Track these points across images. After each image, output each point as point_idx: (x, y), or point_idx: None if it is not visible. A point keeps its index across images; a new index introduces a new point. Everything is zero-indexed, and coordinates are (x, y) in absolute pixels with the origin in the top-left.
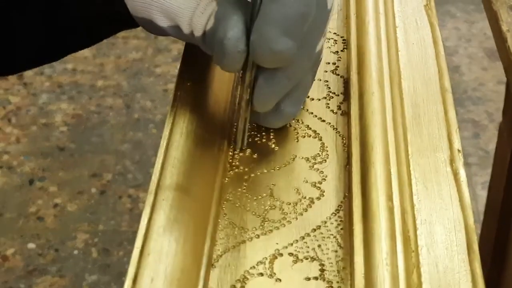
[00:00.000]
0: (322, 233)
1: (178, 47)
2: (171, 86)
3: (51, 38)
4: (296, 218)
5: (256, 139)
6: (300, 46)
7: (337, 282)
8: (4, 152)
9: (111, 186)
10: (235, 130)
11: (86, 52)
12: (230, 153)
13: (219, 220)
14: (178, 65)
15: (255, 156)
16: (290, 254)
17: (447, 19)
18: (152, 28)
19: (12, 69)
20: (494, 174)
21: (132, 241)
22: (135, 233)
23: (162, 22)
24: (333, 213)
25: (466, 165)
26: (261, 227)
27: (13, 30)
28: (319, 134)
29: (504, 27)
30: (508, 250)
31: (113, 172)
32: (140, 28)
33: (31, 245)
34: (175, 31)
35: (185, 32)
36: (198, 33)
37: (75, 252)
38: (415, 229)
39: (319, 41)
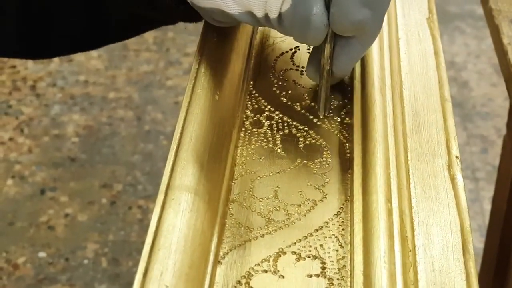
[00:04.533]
0: (324, 233)
1: (189, 60)
2: (182, 99)
3: (91, 25)
4: (300, 219)
5: (262, 144)
6: (373, 14)
7: (337, 279)
8: (16, 162)
9: (121, 196)
10: (318, 98)
11: (98, 64)
12: (238, 157)
13: (226, 220)
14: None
15: (261, 160)
16: (293, 252)
17: (456, 35)
18: (219, 17)
19: (49, 52)
20: (498, 186)
21: (141, 252)
22: (144, 243)
23: (233, 9)
24: (334, 214)
25: (474, 179)
26: (266, 227)
27: (54, 13)
28: (322, 139)
29: (505, 40)
30: (511, 261)
31: (124, 183)
32: (152, 41)
33: (42, 254)
34: (246, 17)
35: (258, 16)
36: (273, 15)
37: (85, 261)
38: (413, 230)
39: (387, 8)
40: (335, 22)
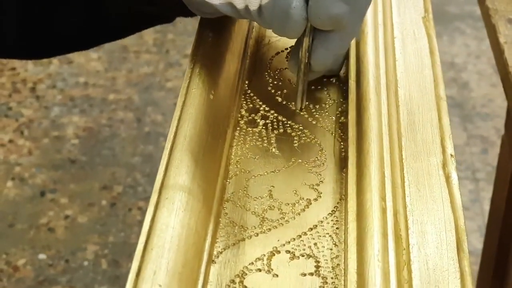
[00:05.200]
0: (318, 232)
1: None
2: None
3: (91, 23)
4: (294, 218)
5: (257, 143)
6: (352, 10)
7: (331, 278)
8: (16, 164)
9: (121, 198)
10: (296, 91)
11: (98, 66)
12: (232, 156)
13: (220, 219)
14: None
15: (256, 159)
16: (287, 251)
17: (456, 35)
18: (202, 7)
19: (48, 51)
20: (497, 186)
21: None
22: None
23: (214, 0)
24: (329, 213)
25: (474, 180)
26: (260, 226)
27: (53, 12)
28: (317, 139)
29: (502, 39)
30: (510, 260)
31: (124, 185)
32: (151, 43)
33: (42, 256)
34: (227, 8)
35: (238, 7)
36: (253, 7)
37: (85, 263)
38: (407, 229)
39: (368, 5)
40: (312, 15)
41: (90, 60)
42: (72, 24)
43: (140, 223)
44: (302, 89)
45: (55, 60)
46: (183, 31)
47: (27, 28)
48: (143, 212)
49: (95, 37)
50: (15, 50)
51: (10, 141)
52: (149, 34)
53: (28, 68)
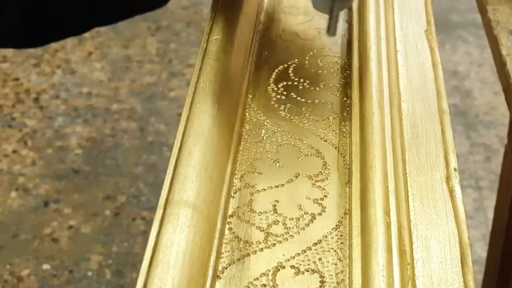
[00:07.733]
0: (322, 247)
1: (191, 71)
2: None
3: (85, 7)
4: (299, 233)
5: (262, 157)
6: None
7: None
8: (20, 174)
9: (125, 208)
10: (329, 20)
11: (101, 76)
12: (237, 171)
13: (225, 234)
14: None
15: (260, 173)
16: (292, 266)
17: (459, 44)
18: None
19: (44, 37)
20: (500, 195)
21: None
22: None
23: None
24: (333, 228)
25: (478, 188)
26: (264, 241)
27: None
28: (321, 153)
29: (504, 51)
30: None
31: (127, 195)
32: (154, 53)
33: (46, 266)
34: None
35: None
36: None
37: (89, 273)
38: (411, 243)
39: None
40: None
41: (93, 70)
42: (67, 8)
43: (144, 233)
44: (337, 17)
45: (58, 71)
46: (186, 41)
47: (24, 14)
48: (146, 222)
49: (89, 21)
50: (10, 37)
51: (14, 151)
52: (151, 44)
53: (31, 79)
